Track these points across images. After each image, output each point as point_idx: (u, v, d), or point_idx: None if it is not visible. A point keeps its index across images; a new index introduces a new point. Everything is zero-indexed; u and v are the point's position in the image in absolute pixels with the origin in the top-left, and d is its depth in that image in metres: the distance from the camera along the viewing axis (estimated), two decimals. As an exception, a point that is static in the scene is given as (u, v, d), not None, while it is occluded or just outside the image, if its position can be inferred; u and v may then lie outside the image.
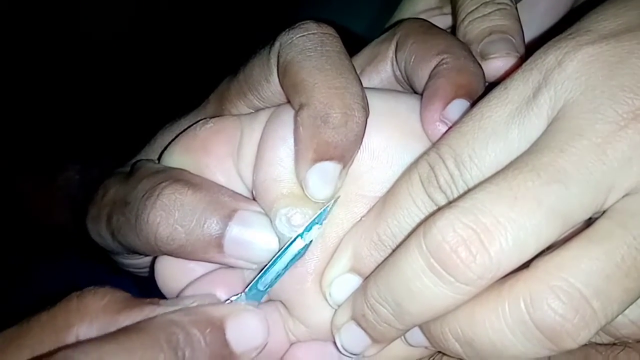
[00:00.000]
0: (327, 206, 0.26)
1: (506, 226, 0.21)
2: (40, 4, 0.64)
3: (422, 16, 0.37)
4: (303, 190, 0.26)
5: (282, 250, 0.26)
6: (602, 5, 0.24)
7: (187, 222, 0.26)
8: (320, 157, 0.25)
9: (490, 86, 0.28)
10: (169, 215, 0.26)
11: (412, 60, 0.29)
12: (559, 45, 0.23)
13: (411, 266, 0.22)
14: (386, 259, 0.24)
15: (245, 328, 0.24)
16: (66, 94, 0.64)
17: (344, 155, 0.25)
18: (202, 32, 0.69)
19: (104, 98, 0.65)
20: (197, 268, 0.28)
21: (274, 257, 0.26)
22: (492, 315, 0.21)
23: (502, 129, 0.23)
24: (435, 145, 0.24)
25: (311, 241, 0.26)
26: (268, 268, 0.26)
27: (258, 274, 0.26)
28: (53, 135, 0.57)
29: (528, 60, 0.24)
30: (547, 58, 0.23)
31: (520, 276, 0.21)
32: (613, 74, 0.21)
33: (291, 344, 0.28)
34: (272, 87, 0.28)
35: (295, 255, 0.26)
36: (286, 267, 0.26)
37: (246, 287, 0.27)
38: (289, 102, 0.27)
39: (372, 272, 0.25)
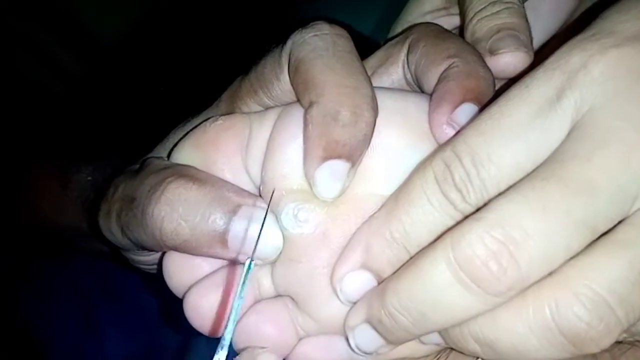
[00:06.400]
0: (249, 264, 0.24)
1: (535, 239, 0.21)
2: (41, 4, 0.65)
3: (428, 17, 0.37)
4: (311, 188, 0.26)
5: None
6: (622, 3, 0.24)
7: (191, 217, 0.26)
8: (329, 155, 0.25)
9: (500, 89, 0.28)
10: (174, 210, 0.26)
11: (422, 62, 0.29)
12: (583, 46, 0.22)
13: (438, 279, 0.22)
14: (405, 267, 0.24)
15: None
16: (78, 95, 0.64)
17: (352, 154, 0.25)
18: (209, 29, 0.69)
19: (117, 99, 0.65)
20: (203, 264, 0.28)
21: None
22: (516, 320, 0.22)
23: (523, 129, 0.22)
24: (450, 143, 0.23)
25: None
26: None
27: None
28: (66, 136, 0.57)
29: (550, 60, 0.23)
30: (570, 59, 0.22)
31: (544, 282, 0.21)
32: None
33: (300, 339, 0.28)
34: (282, 85, 0.28)
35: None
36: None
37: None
38: (298, 100, 0.27)
39: (389, 277, 0.24)
